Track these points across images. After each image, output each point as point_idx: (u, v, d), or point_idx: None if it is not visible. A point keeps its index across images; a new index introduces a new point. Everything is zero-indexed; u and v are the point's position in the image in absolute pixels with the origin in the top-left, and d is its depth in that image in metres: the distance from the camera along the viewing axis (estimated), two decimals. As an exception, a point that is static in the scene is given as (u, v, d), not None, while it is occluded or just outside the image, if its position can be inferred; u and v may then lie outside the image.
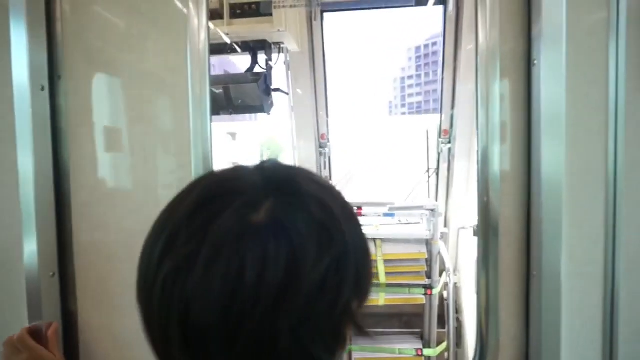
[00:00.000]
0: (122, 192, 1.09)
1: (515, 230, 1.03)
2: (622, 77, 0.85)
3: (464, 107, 2.79)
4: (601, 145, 0.87)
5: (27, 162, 1.00)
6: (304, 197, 0.44)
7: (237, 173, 0.48)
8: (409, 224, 2.77)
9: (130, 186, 1.09)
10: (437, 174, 3.15)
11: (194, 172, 1.05)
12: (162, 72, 1.05)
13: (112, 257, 1.09)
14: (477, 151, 1.06)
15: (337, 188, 0.50)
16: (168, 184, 1.07)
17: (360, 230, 0.49)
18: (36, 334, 0.95)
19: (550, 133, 0.92)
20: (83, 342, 1.11)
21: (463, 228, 3.05)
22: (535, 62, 0.97)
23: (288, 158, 3.27)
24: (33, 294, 1.02)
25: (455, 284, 2.93)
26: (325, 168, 3.17)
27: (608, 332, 0.90)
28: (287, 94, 2.87)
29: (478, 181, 1.07)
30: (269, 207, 0.42)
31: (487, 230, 1.05)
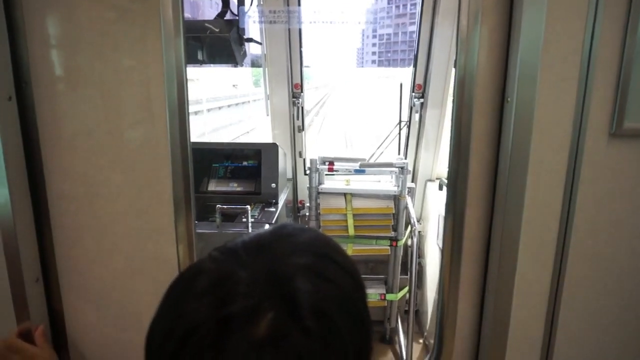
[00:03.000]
0: (100, 181, 1.04)
1: (481, 183, 1.04)
2: (601, 13, 0.84)
3: (439, 60, 2.75)
4: (571, 95, 0.88)
5: None
6: (302, 308, 0.42)
7: (229, 273, 0.45)
8: (379, 182, 2.79)
9: (105, 163, 1.04)
10: (409, 127, 3.15)
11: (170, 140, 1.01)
12: (134, 18, 0.97)
13: (94, 258, 1.08)
14: (453, 98, 1.04)
15: (350, 273, 0.49)
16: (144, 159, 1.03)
17: (369, 336, 0.48)
18: (26, 336, 0.99)
19: (524, 82, 0.91)
20: (71, 341, 1.12)
21: (430, 180, 3.13)
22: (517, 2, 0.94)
23: (258, 109, 3.18)
24: (18, 298, 1.01)
25: (420, 232, 3.05)
26: (298, 118, 3.11)
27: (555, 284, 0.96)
28: (259, 43, 2.74)
29: (451, 130, 1.06)
30: (269, 320, 0.41)
31: (455, 181, 1.06)
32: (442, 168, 3.15)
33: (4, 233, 0.98)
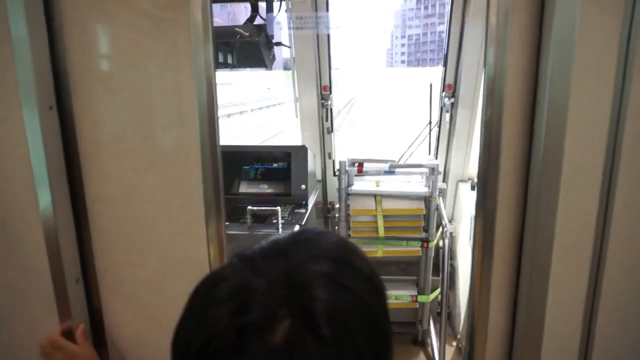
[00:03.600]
0: (135, 184, 1.08)
1: (513, 185, 1.02)
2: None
3: (470, 59, 2.71)
4: (607, 96, 0.84)
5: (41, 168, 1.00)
6: (319, 316, 0.43)
7: (243, 283, 0.45)
8: (409, 182, 2.77)
9: (141, 167, 1.07)
10: (439, 128, 3.11)
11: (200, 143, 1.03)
12: (161, 24, 1.00)
13: (130, 260, 1.12)
14: (483, 96, 1.02)
15: (371, 279, 0.49)
16: (174, 162, 1.05)
17: (386, 340, 0.48)
18: (68, 334, 1.06)
19: (557, 81, 0.88)
20: (110, 340, 1.16)
21: (462, 181, 3.08)
22: None
23: (290, 111, 3.22)
24: (61, 298, 1.06)
25: (451, 233, 3.00)
26: (327, 120, 3.12)
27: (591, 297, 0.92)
28: (288, 47, 2.76)
29: (481, 130, 1.04)
30: (285, 329, 0.42)
31: (485, 182, 1.03)
32: (474, 168, 3.10)
33: (47, 235, 1.03)
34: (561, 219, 0.90)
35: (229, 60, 2.47)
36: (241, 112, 22.59)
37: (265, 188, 2.66)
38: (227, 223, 2.40)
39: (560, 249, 0.91)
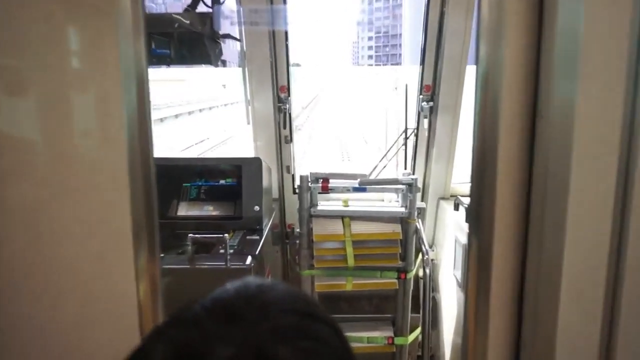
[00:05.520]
0: (44, 217, 1.01)
1: (511, 211, 1.02)
2: None
3: (451, 56, 2.78)
4: (621, 84, 0.84)
5: None
6: None
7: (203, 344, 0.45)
8: (382, 201, 2.78)
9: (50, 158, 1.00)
10: (416, 136, 3.15)
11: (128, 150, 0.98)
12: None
13: (42, 305, 1.04)
14: (475, 97, 1.01)
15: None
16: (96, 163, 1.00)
17: None
18: None
19: (562, 78, 0.88)
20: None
21: (443, 198, 3.12)
22: None
23: (241, 114, 3.18)
24: None
25: (433, 260, 3.03)
26: (285, 127, 3.10)
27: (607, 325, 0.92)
28: (238, 40, 2.74)
29: (473, 144, 1.03)
30: None
31: (479, 204, 1.02)
32: (457, 183, 3.15)
33: None
34: (569, 256, 0.90)
35: (167, 55, 2.42)
36: (190, 113, 22.84)
37: (210, 210, 2.61)
38: (162, 255, 2.35)
39: (568, 293, 0.91)
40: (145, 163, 1.01)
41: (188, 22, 2.32)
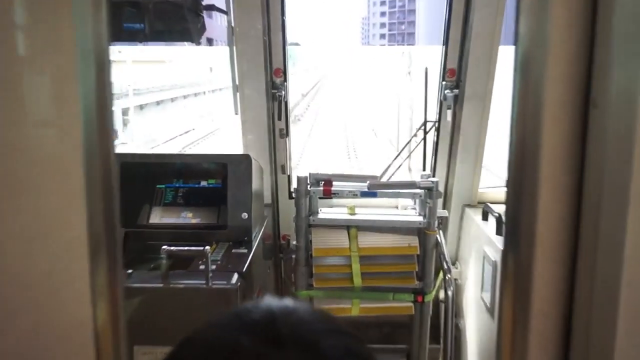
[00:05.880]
0: None
1: (557, 225, 0.98)
2: None
3: (480, 34, 2.76)
4: None
5: None
6: None
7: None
8: (396, 208, 2.77)
9: None
10: (438, 131, 3.13)
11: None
12: None
13: None
14: (514, 81, 0.98)
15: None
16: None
17: None
18: None
19: (625, 54, 0.85)
20: None
21: (469, 205, 3.11)
22: None
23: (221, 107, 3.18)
24: None
25: (456, 280, 3.02)
26: (280, 118, 3.08)
27: None
28: (224, 12, 2.72)
29: (510, 140, 1.00)
30: None
31: (515, 222, 0.99)
32: (486, 188, 3.14)
33: None
34: (628, 280, 0.87)
35: (140, 31, 2.41)
36: (173, 99, 23.22)
37: (188, 217, 2.58)
38: (129, 271, 2.34)
39: (626, 330, 0.89)
40: (106, 160, 0.98)
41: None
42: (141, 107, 20.58)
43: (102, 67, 0.96)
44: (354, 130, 18.53)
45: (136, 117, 20.02)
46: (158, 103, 22.03)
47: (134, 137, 20.80)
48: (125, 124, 21.49)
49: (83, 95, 0.95)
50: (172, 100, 23.52)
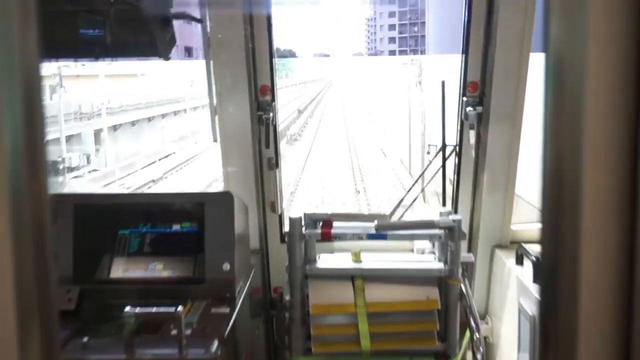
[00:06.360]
0: None
1: (609, 248, 0.93)
2: None
3: (506, 41, 2.76)
4: None
5: None
6: None
7: None
8: (411, 253, 2.74)
9: None
10: (459, 157, 3.12)
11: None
12: None
13: None
14: (545, 94, 0.94)
15: None
16: None
17: None
18: None
19: None
20: None
21: (500, 246, 3.07)
22: None
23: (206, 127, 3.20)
24: None
25: (486, 338, 2.99)
26: (267, 146, 3.07)
27: None
28: (199, 21, 2.72)
29: (544, 155, 0.95)
30: None
31: (557, 248, 0.94)
32: (520, 224, 3.12)
33: None
34: None
35: (100, 38, 2.40)
36: (150, 119, 23.87)
37: (158, 270, 2.54)
38: (85, 339, 2.28)
39: None
40: (37, 203, 0.94)
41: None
42: (114, 127, 20.99)
43: (32, 88, 0.92)
44: (360, 149, 18.73)
45: (110, 138, 20.49)
46: (133, 123, 22.57)
47: (108, 163, 21.32)
48: (97, 148, 22.01)
49: (8, 123, 0.92)
50: (149, 120, 24.03)
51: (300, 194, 14.47)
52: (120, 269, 2.55)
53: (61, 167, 20.81)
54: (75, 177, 21.13)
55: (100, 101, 20.06)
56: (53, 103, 19.33)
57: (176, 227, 2.61)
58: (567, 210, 0.91)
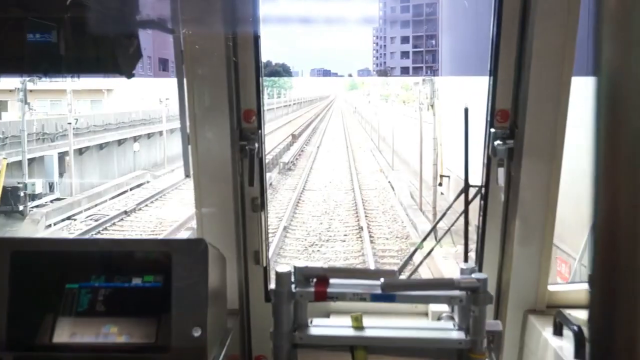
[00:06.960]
0: None
1: None
2: None
3: (542, 63, 2.80)
4: None
5: None
6: None
7: None
8: (425, 318, 2.73)
9: None
10: (485, 200, 3.13)
11: None
12: None
13: None
14: (594, 126, 0.95)
15: None
16: None
17: None
18: None
19: None
20: None
21: (534, 312, 3.08)
22: None
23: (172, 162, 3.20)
24: None
25: None
26: (252, 183, 3.07)
27: None
28: (171, 32, 2.76)
29: (595, 200, 0.96)
30: None
31: (609, 317, 0.96)
32: (557, 285, 3.12)
33: None
34: None
35: (51, 45, 2.43)
36: (120, 142, 24.36)
37: (113, 334, 2.53)
38: None
39: None
40: None
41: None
42: (80, 151, 21.32)
43: None
44: (364, 180, 18.88)
45: (76, 162, 20.80)
46: (102, 147, 22.94)
47: (73, 191, 21.50)
48: (61, 173, 22.24)
49: None
50: (119, 143, 24.45)
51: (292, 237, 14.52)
52: (66, 333, 2.53)
53: (22, 194, 21.05)
54: (37, 206, 21.34)
55: (67, 121, 20.53)
56: (16, 122, 19.86)
57: (136, 281, 2.60)
58: (623, 266, 0.92)
